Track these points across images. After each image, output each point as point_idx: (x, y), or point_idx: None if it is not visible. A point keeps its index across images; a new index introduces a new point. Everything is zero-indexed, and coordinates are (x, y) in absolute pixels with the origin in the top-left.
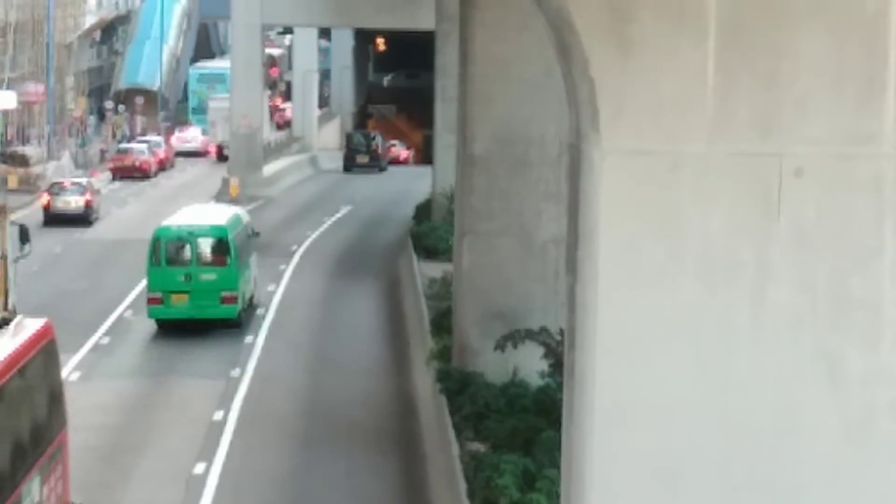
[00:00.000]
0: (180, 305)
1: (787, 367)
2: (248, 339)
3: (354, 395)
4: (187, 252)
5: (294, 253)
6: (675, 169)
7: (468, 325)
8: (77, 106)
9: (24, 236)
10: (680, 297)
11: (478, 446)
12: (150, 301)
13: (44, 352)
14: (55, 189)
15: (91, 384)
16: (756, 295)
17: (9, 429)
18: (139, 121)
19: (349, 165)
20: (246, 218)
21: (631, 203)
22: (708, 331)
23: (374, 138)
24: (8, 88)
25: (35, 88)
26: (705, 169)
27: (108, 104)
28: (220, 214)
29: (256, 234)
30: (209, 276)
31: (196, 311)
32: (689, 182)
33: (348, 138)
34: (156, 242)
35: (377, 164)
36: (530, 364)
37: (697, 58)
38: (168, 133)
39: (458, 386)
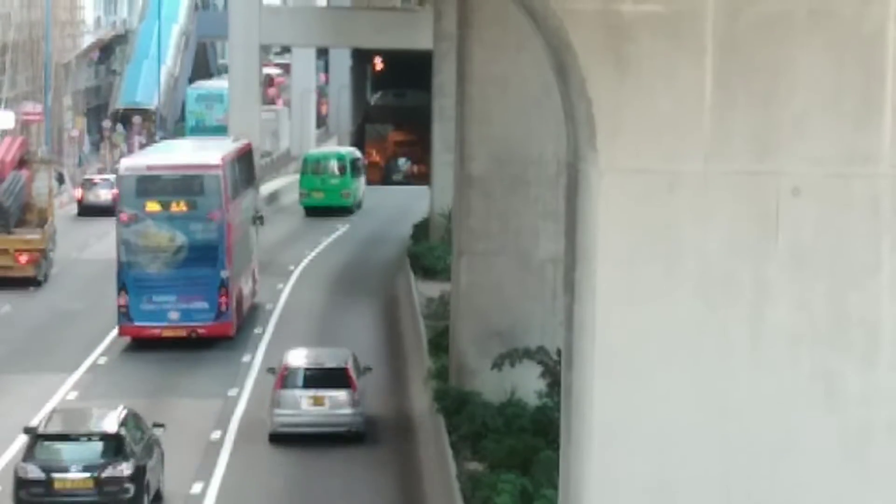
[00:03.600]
0: (318, 197)
1: (785, 386)
2: (246, 358)
3: None
4: (322, 167)
5: (292, 273)
6: (672, 188)
7: (466, 345)
8: (75, 125)
9: (60, 179)
10: (678, 317)
11: (476, 466)
12: (301, 195)
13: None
14: (87, 185)
15: (89, 404)
16: (754, 314)
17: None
18: (136, 140)
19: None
20: (358, 153)
21: (629, 222)
22: (706, 350)
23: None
24: (6, 108)
25: (33, 108)
26: (703, 188)
27: (106, 123)
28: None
29: (361, 161)
30: (334, 181)
31: (326, 202)
32: (687, 201)
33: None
34: (305, 161)
35: (409, 182)
36: (528, 383)
37: (695, 77)
38: None
39: (456, 405)
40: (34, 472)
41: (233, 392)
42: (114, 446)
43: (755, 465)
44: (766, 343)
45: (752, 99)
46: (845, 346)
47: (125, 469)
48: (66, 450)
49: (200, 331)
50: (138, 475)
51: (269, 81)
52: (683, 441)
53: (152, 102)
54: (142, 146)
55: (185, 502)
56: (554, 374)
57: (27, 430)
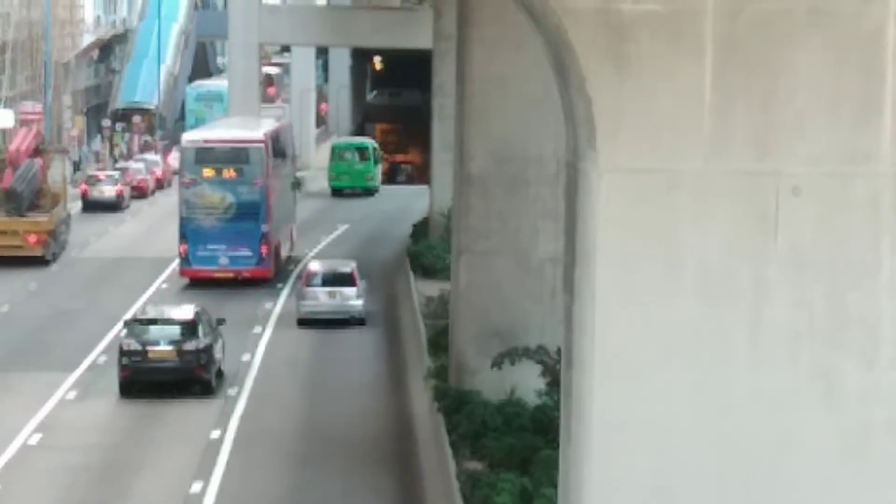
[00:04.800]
0: (345, 180)
1: (784, 385)
2: (245, 357)
3: (351, 414)
4: (348, 154)
5: (292, 272)
6: (672, 187)
7: (465, 344)
8: (74, 124)
9: (76, 168)
10: (677, 316)
11: (475, 465)
12: (330, 178)
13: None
14: (91, 180)
15: (88, 403)
16: (753, 313)
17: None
18: (136, 139)
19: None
20: (376, 144)
21: (628, 222)
22: (705, 350)
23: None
24: (5, 107)
25: (32, 107)
26: (703, 187)
27: (106, 122)
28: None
29: (380, 152)
30: (360, 167)
31: (352, 183)
32: (687, 201)
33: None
34: (334, 149)
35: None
36: (527, 382)
37: (694, 76)
38: (166, 152)
39: (456, 404)
40: (133, 345)
41: (232, 391)
42: (190, 329)
43: (755, 464)
44: (765, 342)
45: (751, 98)
46: (845, 345)
47: (198, 345)
48: (156, 330)
49: (245, 274)
50: (207, 350)
51: (268, 80)
52: (683, 439)
53: (152, 101)
54: (142, 145)
55: (185, 502)
56: (553, 373)
57: (126, 322)
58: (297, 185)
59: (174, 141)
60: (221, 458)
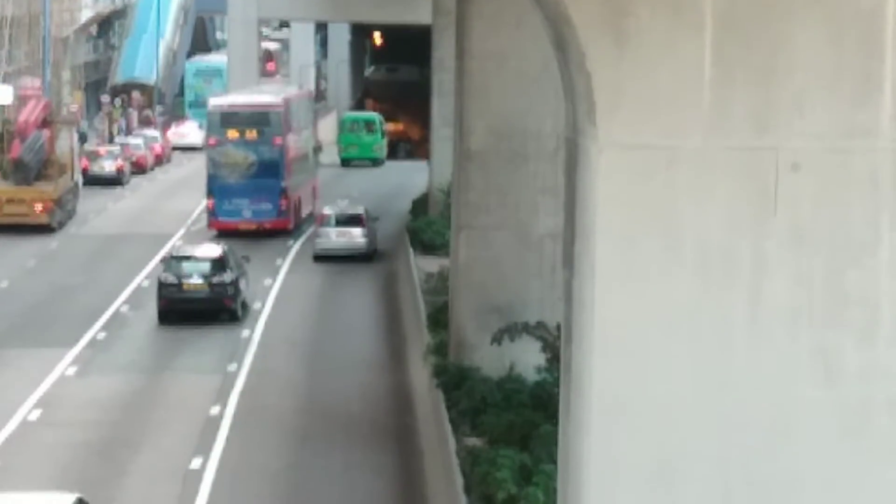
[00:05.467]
0: (353, 151)
1: (783, 363)
2: (245, 333)
3: (351, 390)
4: (357, 126)
5: (290, 248)
6: (671, 163)
7: (465, 320)
8: (74, 100)
9: (83, 139)
10: (677, 293)
11: (475, 441)
12: (339, 150)
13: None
14: (92, 156)
15: (87, 379)
16: (753, 290)
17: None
18: (135, 115)
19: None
20: (382, 118)
21: (628, 197)
22: (705, 326)
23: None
24: (4, 83)
25: (31, 83)
26: (702, 163)
27: (105, 98)
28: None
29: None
30: (368, 139)
31: (360, 154)
32: (686, 177)
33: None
34: (343, 122)
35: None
36: (527, 358)
37: (694, 52)
38: (165, 127)
39: (455, 381)
40: (171, 278)
41: (232, 367)
42: (219, 264)
43: (754, 441)
44: (764, 319)
45: (751, 74)
46: (844, 322)
47: (226, 278)
48: (189, 265)
49: (266, 225)
50: (234, 283)
51: (267, 56)
52: (682, 416)
53: (151, 77)
54: (143, 121)
55: (185, 478)
56: (553, 348)
57: (163, 259)
58: (318, 149)
59: (173, 117)
60: (221, 434)
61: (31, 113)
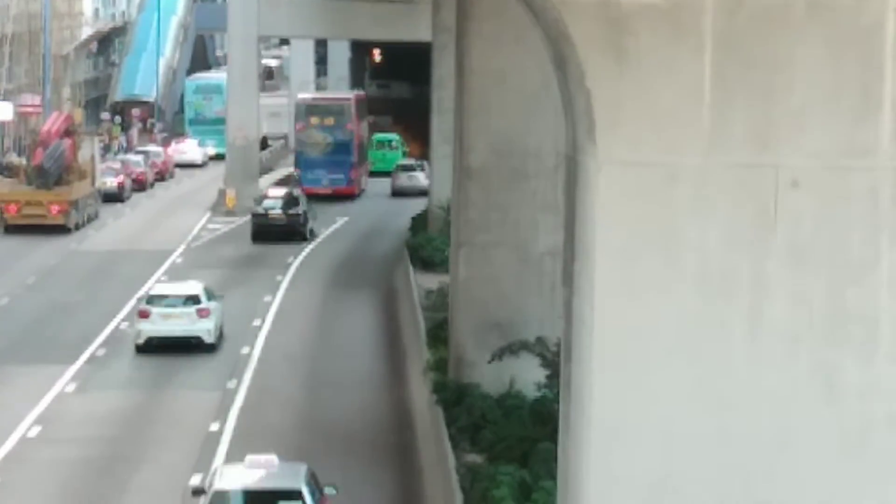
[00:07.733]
0: (380, 164)
1: (783, 380)
2: (245, 350)
3: (350, 407)
4: (384, 145)
5: (290, 265)
6: (671, 181)
7: (464, 337)
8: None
9: (106, 149)
10: (676, 311)
11: (474, 458)
12: (370, 163)
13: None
14: None
15: (87, 396)
16: (753, 308)
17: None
18: (135, 132)
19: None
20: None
21: (627, 215)
22: (705, 344)
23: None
24: (4, 100)
25: (32, 100)
26: (702, 181)
27: (105, 115)
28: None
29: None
30: (391, 154)
31: (384, 168)
32: (686, 194)
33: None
34: (372, 141)
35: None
36: (526, 375)
37: (694, 70)
38: (165, 144)
39: (455, 397)
40: (260, 210)
41: (231, 384)
42: (294, 201)
43: (754, 459)
44: (764, 337)
45: (750, 92)
46: (844, 339)
47: (298, 210)
48: (273, 201)
49: (339, 190)
50: (304, 214)
51: (268, 73)
52: (682, 433)
53: (151, 94)
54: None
55: (184, 495)
56: (553, 365)
57: (255, 199)
58: (369, 140)
59: (173, 134)
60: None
61: (53, 123)
